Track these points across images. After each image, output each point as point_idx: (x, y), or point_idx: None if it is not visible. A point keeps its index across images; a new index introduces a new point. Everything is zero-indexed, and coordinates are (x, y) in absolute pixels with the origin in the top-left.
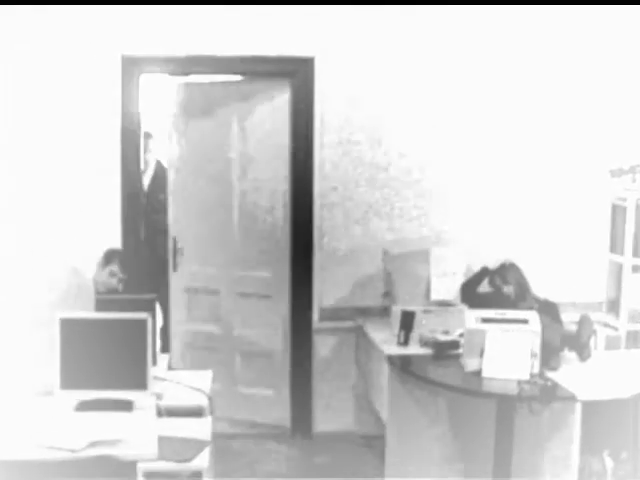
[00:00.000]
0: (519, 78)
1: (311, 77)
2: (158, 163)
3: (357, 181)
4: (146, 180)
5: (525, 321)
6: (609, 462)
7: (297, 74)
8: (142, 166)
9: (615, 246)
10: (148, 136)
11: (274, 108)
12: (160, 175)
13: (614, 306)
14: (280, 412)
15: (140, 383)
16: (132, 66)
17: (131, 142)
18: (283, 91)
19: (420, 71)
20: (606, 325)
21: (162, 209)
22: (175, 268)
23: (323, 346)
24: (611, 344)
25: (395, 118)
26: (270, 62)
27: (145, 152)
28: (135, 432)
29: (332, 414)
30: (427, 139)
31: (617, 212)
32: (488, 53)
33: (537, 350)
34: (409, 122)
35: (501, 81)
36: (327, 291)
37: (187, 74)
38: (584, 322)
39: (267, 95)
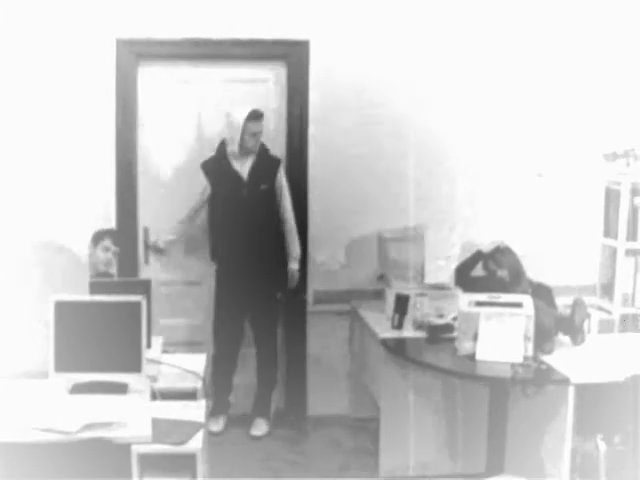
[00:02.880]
0: (514, 64)
1: (306, 60)
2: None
3: (352, 166)
4: None
5: (519, 304)
6: (602, 445)
7: (292, 57)
8: None
9: (609, 230)
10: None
11: (269, 91)
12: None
13: (607, 290)
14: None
15: (134, 366)
16: (127, 49)
17: (126, 126)
18: (278, 74)
19: (416, 54)
20: (599, 309)
21: None
22: (147, 260)
23: (317, 329)
24: (604, 328)
25: (390, 101)
26: (265, 45)
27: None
28: (129, 415)
29: (326, 397)
30: (423, 122)
31: (611, 196)
32: (486, 39)
33: (531, 333)
34: (405, 106)
35: (497, 67)
36: (321, 274)
37: (182, 58)
38: (578, 306)
39: (262, 78)
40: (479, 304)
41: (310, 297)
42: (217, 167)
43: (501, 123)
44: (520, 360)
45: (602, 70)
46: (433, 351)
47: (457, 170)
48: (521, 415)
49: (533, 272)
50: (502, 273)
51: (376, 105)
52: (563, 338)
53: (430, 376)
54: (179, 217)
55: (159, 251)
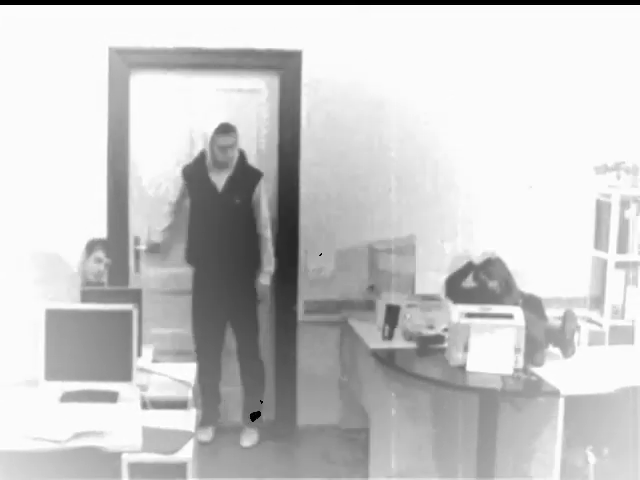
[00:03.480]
0: (506, 78)
1: (299, 70)
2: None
3: (344, 176)
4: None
5: (510, 316)
6: (592, 458)
7: (285, 67)
8: None
9: (599, 242)
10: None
11: (261, 101)
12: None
13: (598, 302)
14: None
15: (125, 374)
16: (120, 58)
17: (118, 135)
18: (271, 84)
19: (409, 66)
20: (590, 321)
21: None
22: (137, 269)
23: (307, 339)
24: (594, 340)
25: (383, 112)
26: (258, 55)
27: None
28: (120, 423)
29: (317, 407)
30: (414, 134)
31: (601, 209)
32: (479, 53)
33: (521, 345)
34: (397, 117)
35: (489, 80)
36: (312, 284)
37: (175, 67)
38: (568, 318)
39: (254, 88)
40: (470, 315)
41: (300, 307)
42: (195, 175)
43: (492, 135)
44: (510, 372)
45: (593, 83)
46: (423, 362)
47: (448, 182)
48: (511, 427)
49: (524, 283)
50: (493, 284)
51: (368, 117)
52: (553, 350)
53: (420, 387)
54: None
55: (155, 247)
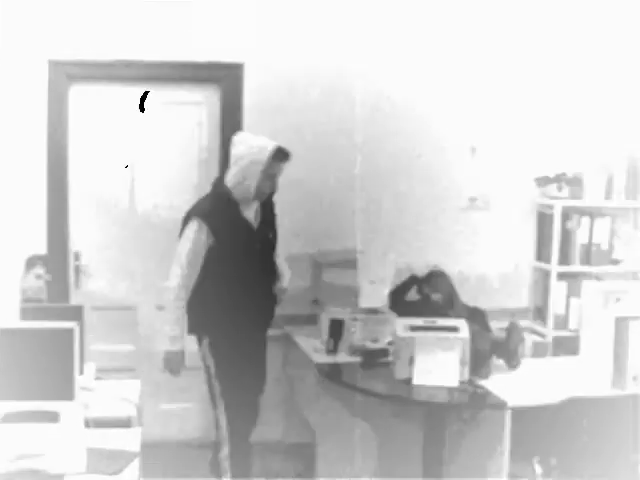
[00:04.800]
0: (448, 89)
1: (240, 83)
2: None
3: (287, 189)
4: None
5: (454, 329)
6: (538, 469)
7: (226, 80)
8: None
9: (541, 254)
10: None
11: (203, 114)
12: None
13: (541, 313)
14: (207, 424)
15: (67, 393)
16: (58, 70)
17: (58, 148)
18: (212, 97)
19: (351, 77)
20: (533, 332)
21: None
22: (77, 285)
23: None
24: (538, 351)
25: (326, 124)
26: (199, 67)
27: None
28: (62, 444)
29: (260, 423)
30: (358, 144)
31: (543, 220)
32: (423, 66)
33: (467, 358)
34: (340, 128)
35: (432, 92)
36: None
37: (115, 79)
38: (513, 330)
39: (195, 101)
40: (415, 329)
41: None
42: (224, 216)
43: (435, 147)
44: (456, 384)
45: (533, 94)
46: (369, 376)
47: (390, 194)
48: (458, 439)
49: (467, 296)
50: (436, 297)
51: (312, 128)
52: (498, 362)
53: (366, 401)
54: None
55: (177, 361)
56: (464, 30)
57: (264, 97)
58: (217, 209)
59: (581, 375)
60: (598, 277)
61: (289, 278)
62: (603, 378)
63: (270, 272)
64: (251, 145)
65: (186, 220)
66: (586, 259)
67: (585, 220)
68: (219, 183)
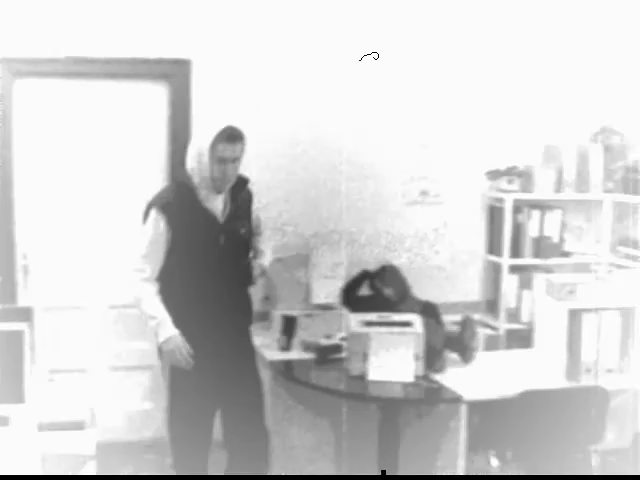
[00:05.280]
0: (395, 86)
1: (188, 80)
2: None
3: None
4: None
5: (408, 323)
6: (494, 462)
7: (174, 77)
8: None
9: (492, 247)
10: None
11: (151, 110)
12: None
13: (493, 306)
14: (160, 424)
15: (17, 396)
16: (4, 66)
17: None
18: (161, 94)
19: (301, 74)
20: (485, 325)
21: None
22: (26, 285)
23: None
24: (491, 344)
25: (277, 121)
26: (147, 63)
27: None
28: (14, 448)
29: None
30: (305, 142)
31: (494, 213)
32: (371, 66)
33: (421, 352)
34: (292, 125)
35: (379, 89)
36: None
37: (62, 76)
38: (466, 323)
39: (143, 97)
40: (368, 324)
41: None
42: (182, 207)
43: (386, 140)
44: (411, 379)
45: (483, 88)
46: (323, 372)
47: (342, 188)
48: (413, 434)
49: (419, 290)
50: (388, 292)
51: (262, 125)
52: (453, 356)
53: (320, 398)
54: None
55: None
56: (412, 26)
57: (213, 93)
58: (175, 198)
59: (535, 368)
60: (549, 270)
61: (269, 260)
62: (557, 370)
63: (239, 272)
64: (202, 127)
65: (146, 211)
66: (537, 252)
67: (536, 213)
68: (180, 171)
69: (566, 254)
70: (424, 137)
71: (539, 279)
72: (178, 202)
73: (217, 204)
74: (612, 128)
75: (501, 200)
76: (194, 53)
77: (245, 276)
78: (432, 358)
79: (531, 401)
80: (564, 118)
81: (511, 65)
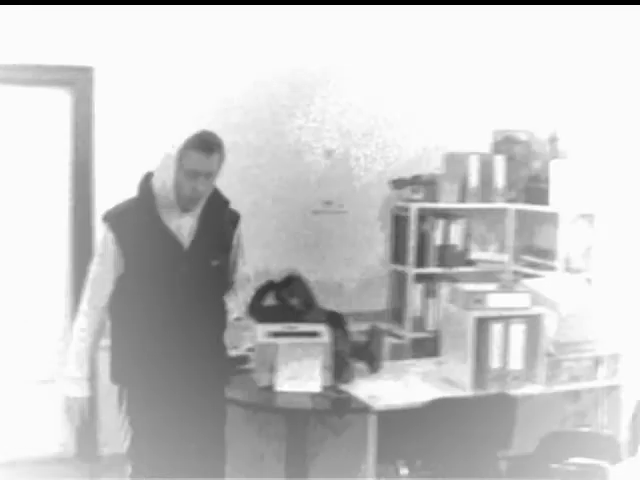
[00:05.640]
0: (308, 84)
1: (91, 87)
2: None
3: None
4: None
5: (315, 334)
6: (404, 471)
7: (77, 83)
8: None
9: (397, 256)
10: None
11: (54, 117)
12: None
13: (398, 315)
14: (64, 438)
15: None
16: None
17: None
18: (64, 101)
19: (205, 76)
20: (391, 334)
21: None
22: None
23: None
24: (397, 352)
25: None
26: (50, 71)
27: None
28: None
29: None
30: None
31: (399, 222)
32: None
33: (329, 362)
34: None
35: (294, 88)
36: None
37: None
38: (373, 333)
39: (46, 104)
40: (275, 334)
41: None
42: (137, 226)
43: (290, 149)
44: (319, 390)
45: (388, 96)
46: (229, 383)
47: (248, 199)
48: (322, 445)
49: (325, 300)
50: (294, 302)
51: (165, 132)
52: (360, 366)
53: (232, 410)
54: None
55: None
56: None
57: (116, 100)
58: (132, 213)
59: (443, 376)
60: (454, 278)
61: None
62: (465, 378)
63: (207, 313)
64: (169, 130)
65: (102, 224)
66: (442, 261)
67: (440, 222)
68: (144, 183)
69: (471, 263)
70: (329, 144)
71: (445, 288)
72: (134, 218)
73: (182, 226)
74: (515, 138)
75: (406, 209)
76: (97, 60)
77: (214, 319)
78: (340, 368)
79: (439, 409)
80: (467, 127)
81: (416, 73)
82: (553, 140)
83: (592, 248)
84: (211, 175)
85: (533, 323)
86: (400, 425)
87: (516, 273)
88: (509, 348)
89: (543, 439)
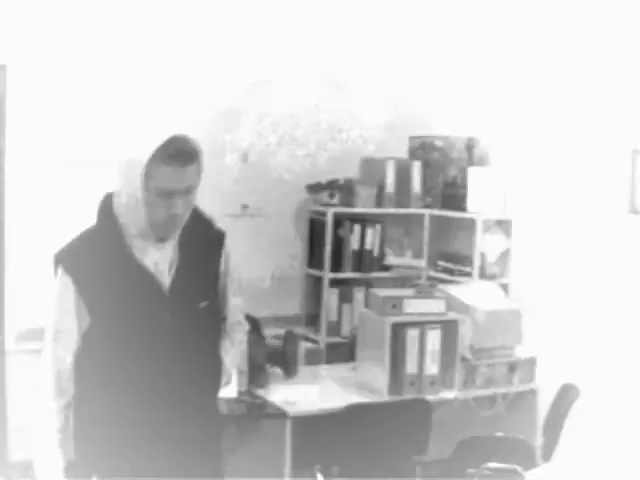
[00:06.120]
0: (227, 89)
1: (4, 85)
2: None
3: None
4: None
5: None
6: (320, 477)
7: None
8: None
9: (313, 261)
10: None
11: None
12: None
13: (314, 320)
14: None
15: None
16: None
17: None
18: None
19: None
20: (306, 339)
21: None
22: None
23: (21, 369)
24: (312, 357)
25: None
26: None
27: None
28: None
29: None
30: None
31: (315, 227)
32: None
33: (244, 367)
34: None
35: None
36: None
37: None
38: (289, 338)
39: None
40: None
41: (11, 335)
42: (102, 263)
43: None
44: (235, 395)
45: (305, 100)
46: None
47: None
48: (237, 451)
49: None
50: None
51: (83, 135)
52: (275, 371)
53: None
54: None
55: None
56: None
57: (30, 99)
58: (92, 249)
59: (359, 381)
60: (370, 283)
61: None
62: (381, 384)
63: (197, 373)
64: (129, 137)
65: (54, 268)
66: (358, 266)
67: (356, 227)
68: (105, 208)
69: (386, 268)
70: (245, 148)
71: (361, 293)
72: (96, 255)
73: (160, 260)
74: (432, 144)
75: (322, 214)
76: (9, 58)
77: (207, 379)
78: (255, 373)
79: (355, 415)
80: (385, 132)
81: (332, 78)
82: (470, 146)
83: (508, 254)
84: (190, 191)
85: (449, 328)
86: (316, 431)
87: (432, 279)
88: (425, 353)
89: (459, 444)
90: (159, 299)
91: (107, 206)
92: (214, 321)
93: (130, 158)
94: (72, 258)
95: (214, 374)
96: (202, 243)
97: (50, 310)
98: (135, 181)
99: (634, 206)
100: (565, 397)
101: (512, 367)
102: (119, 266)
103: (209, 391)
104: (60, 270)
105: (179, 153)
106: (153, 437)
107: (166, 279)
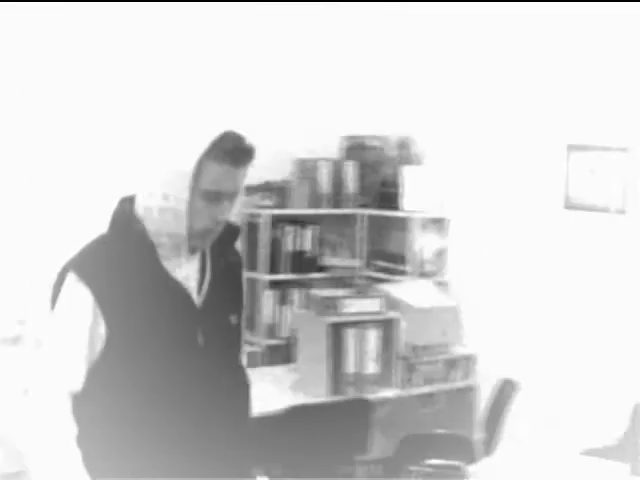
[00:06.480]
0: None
1: None
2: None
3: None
4: None
5: None
6: (263, 478)
7: None
8: None
9: (250, 263)
10: None
11: None
12: None
13: (251, 322)
14: None
15: None
16: None
17: None
18: None
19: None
20: (245, 342)
21: None
22: None
23: None
24: (250, 360)
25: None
26: None
27: None
28: None
29: None
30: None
31: (251, 229)
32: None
33: None
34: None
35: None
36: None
37: None
38: None
39: None
40: None
41: None
42: (127, 279)
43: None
44: None
45: (231, 102)
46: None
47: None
48: None
49: None
50: None
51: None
52: None
53: None
54: None
55: None
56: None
57: None
58: (113, 259)
59: (299, 383)
60: (307, 285)
61: None
62: (320, 384)
63: (234, 392)
64: (166, 130)
65: (59, 279)
66: (294, 267)
67: (292, 228)
68: (125, 212)
69: (323, 269)
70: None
71: (298, 294)
72: (119, 266)
73: (191, 273)
74: (366, 143)
75: (257, 216)
76: None
77: (239, 403)
78: None
79: (296, 416)
80: (318, 133)
81: (265, 79)
82: (403, 145)
83: (444, 252)
84: (235, 197)
85: (387, 327)
86: (257, 433)
87: (368, 278)
88: (364, 353)
89: (400, 442)
90: (192, 316)
91: (126, 212)
92: (239, 339)
93: (176, 157)
94: (90, 267)
95: (243, 396)
96: (230, 256)
97: (51, 325)
98: (181, 181)
99: (569, 201)
100: (505, 392)
101: (451, 364)
102: (147, 279)
103: (242, 410)
104: (73, 278)
105: (236, 151)
106: (190, 462)
107: (194, 292)
